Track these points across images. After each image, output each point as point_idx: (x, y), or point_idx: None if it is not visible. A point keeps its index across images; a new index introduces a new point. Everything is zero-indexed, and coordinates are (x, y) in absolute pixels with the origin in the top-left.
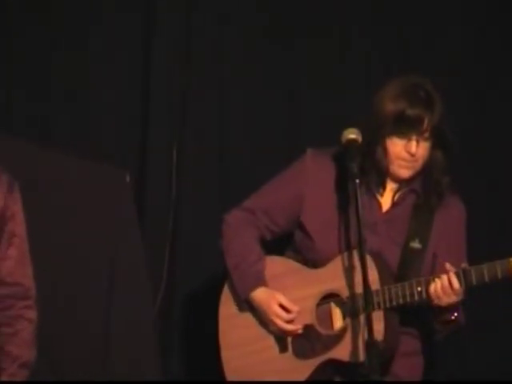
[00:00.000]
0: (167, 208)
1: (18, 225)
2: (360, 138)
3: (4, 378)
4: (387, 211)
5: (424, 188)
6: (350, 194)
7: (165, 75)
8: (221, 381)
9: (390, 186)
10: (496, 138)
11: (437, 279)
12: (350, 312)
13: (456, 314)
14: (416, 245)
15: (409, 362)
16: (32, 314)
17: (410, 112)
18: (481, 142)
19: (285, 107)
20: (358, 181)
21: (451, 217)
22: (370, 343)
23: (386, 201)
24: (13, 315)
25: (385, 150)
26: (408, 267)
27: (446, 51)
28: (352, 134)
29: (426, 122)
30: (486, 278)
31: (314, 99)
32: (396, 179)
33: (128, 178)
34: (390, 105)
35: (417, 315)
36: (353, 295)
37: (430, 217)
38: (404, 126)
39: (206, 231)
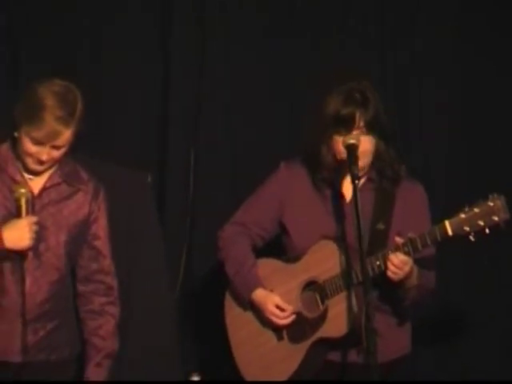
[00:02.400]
0: (185, 207)
1: (101, 227)
2: (359, 142)
3: (90, 367)
4: (351, 200)
5: (379, 176)
6: (326, 192)
7: (182, 82)
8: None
9: (348, 178)
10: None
11: (390, 256)
12: (327, 294)
13: (417, 281)
14: (380, 226)
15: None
16: (114, 309)
17: (344, 111)
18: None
19: (296, 111)
20: (357, 182)
21: (412, 198)
22: (367, 323)
23: (347, 191)
24: (97, 310)
25: (330, 148)
26: (375, 246)
27: None
28: (352, 140)
29: (357, 118)
30: (429, 241)
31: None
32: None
33: (149, 179)
34: (329, 106)
35: (385, 293)
36: (327, 279)
37: (390, 200)
38: (341, 124)
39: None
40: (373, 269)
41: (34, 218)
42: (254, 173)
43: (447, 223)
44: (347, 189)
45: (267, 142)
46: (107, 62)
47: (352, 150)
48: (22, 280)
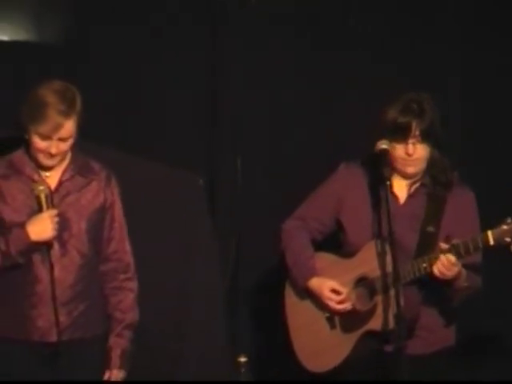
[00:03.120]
0: (234, 207)
1: (117, 212)
2: (390, 147)
3: (112, 338)
4: (405, 203)
5: (432, 181)
6: (381, 194)
7: (229, 91)
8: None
9: (404, 182)
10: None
11: (437, 259)
12: (378, 290)
13: (466, 284)
14: (430, 229)
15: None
16: (132, 284)
17: (401, 120)
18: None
19: (336, 115)
20: (388, 182)
21: (462, 204)
22: (398, 315)
23: (401, 194)
24: (117, 286)
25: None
26: (424, 248)
27: None
28: (383, 145)
29: (414, 127)
30: (471, 249)
31: (363, 105)
32: (404, 176)
33: (201, 182)
34: (388, 115)
35: (435, 292)
36: (377, 276)
37: (441, 205)
38: (398, 132)
39: (265, 226)
40: (419, 270)
41: (54, 211)
42: (294, 175)
43: (489, 233)
44: (400, 191)
45: (307, 146)
46: (160, 72)
47: (383, 154)
48: (51, 267)
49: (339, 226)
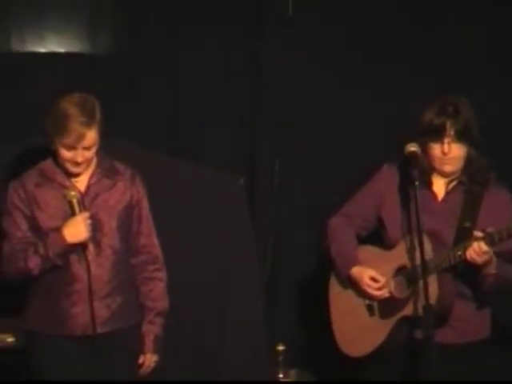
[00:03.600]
0: (272, 205)
1: (143, 208)
2: (419, 150)
3: (145, 325)
4: (443, 200)
5: (469, 180)
6: (412, 194)
7: (269, 98)
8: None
9: (442, 181)
10: None
11: (471, 246)
12: (414, 279)
13: (495, 271)
14: (467, 224)
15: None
16: (161, 274)
17: (436, 121)
18: None
19: (370, 118)
20: (417, 183)
21: (498, 203)
22: (426, 305)
23: (439, 192)
24: (147, 277)
25: (426, 153)
26: (460, 242)
27: None
28: (412, 147)
29: (448, 127)
30: (505, 237)
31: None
32: (442, 174)
33: (241, 182)
34: (425, 117)
35: (470, 284)
36: (415, 266)
37: (477, 202)
38: (434, 133)
39: (299, 224)
40: (454, 257)
41: (86, 214)
42: (328, 176)
43: None
44: (439, 189)
45: (341, 150)
46: (203, 77)
47: (413, 156)
48: (88, 266)
49: (380, 223)
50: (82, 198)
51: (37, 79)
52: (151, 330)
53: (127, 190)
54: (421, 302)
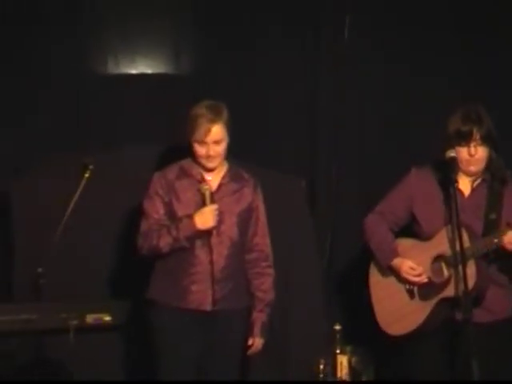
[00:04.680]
0: (330, 205)
1: (260, 212)
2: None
3: (255, 313)
4: (469, 196)
5: (491, 177)
6: (450, 192)
7: (327, 107)
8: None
9: (467, 180)
10: None
11: (505, 234)
12: (451, 265)
13: None
14: (493, 216)
15: (500, 295)
16: (271, 270)
17: (463, 128)
18: None
19: (414, 127)
20: (456, 184)
21: None
22: (465, 290)
23: (465, 189)
24: (259, 272)
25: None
26: (488, 232)
27: None
28: (452, 153)
29: (474, 133)
30: None
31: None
32: (468, 174)
33: (303, 184)
34: (451, 126)
35: (500, 270)
36: (452, 254)
37: (499, 197)
38: (462, 138)
39: (355, 221)
40: (491, 245)
41: (215, 206)
42: (379, 179)
43: None
44: (465, 187)
45: (391, 154)
46: (266, 88)
47: (452, 161)
48: (210, 252)
49: (413, 218)
50: (212, 194)
51: (130, 97)
52: (260, 317)
53: (249, 195)
54: (460, 287)
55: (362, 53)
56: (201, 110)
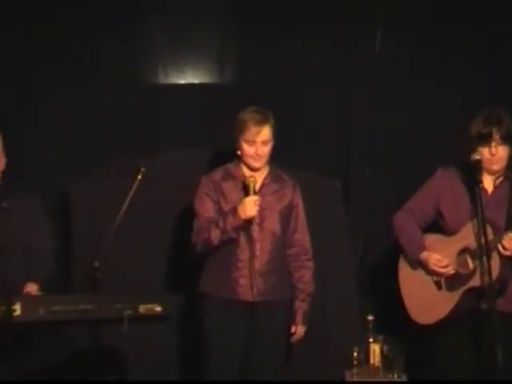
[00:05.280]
0: (362, 206)
1: (300, 210)
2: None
3: (297, 302)
4: (492, 193)
5: None
6: (476, 192)
7: (362, 113)
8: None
9: (489, 178)
10: None
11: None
12: (476, 256)
13: None
14: None
15: None
16: (310, 263)
17: (484, 130)
18: None
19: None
20: (481, 184)
21: None
22: (489, 282)
23: (488, 187)
24: (299, 265)
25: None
26: (511, 227)
27: None
28: (477, 156)
29: (494, 133)
30: None
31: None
32: (490, 173)
33: (338, 185)
34: (473, 128)
35: None
36: (477, 247)
37: None
38: (483, 139)
39: (386, 220)
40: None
41: (256, 197)
42: (409, 181)
43: None
44: (488, 185)
45: (419, 158)
46: (303, 96)
47: (477, 163)
48: (254, 247)
49: (440, 215)
50: (255, 193)
51: (178, 105)
52: (302, 306)
53: (289, 195)
54: (485, 278)
55: (392, 62)
56: (251, 113)
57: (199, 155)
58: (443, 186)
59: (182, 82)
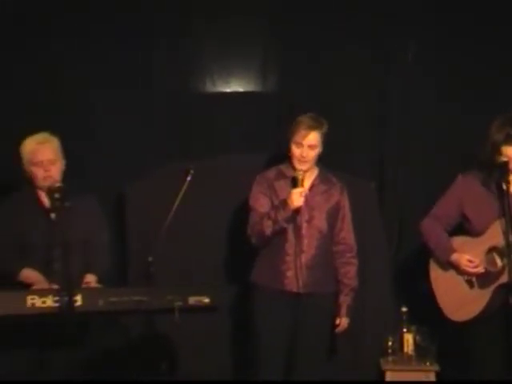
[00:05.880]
0: (396, 205)
1: (346, 211)
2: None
3: (342, 297)
4: None
5: None
6: (504, 192)
7: (396, 117)
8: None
9: None
10: None
11: None
12: (504, 255)
13: None
14: None
15: None
16: (355, 260)
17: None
18: None
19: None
20: (504, 186)
21: None
22: None
23: None
24: (344, 261)
25: (501, 157)
26: None
27: None
28: (504, 158)
29: None
30: None
31: None
32: None
33: (373, 186)
34: (498, 131)
35: None
36: (504, 245)
37: None
38: (509, 140)
39: (418, 219)
40: None
41: (303, 189)
42: (441, 183)
43: None
44: None
45: (451, 161)
46: (341, 102)
47: (504, 165)
48: (302, 242)
49: (465, 219)
50: (303, 181)
51: (224, 112)
52: (346, 300)
53: (337, 196)
54: None
55: (424, 71)
56: (305, 118)
57: (244, 158)
58: (465, 190)
59: (228, 90)
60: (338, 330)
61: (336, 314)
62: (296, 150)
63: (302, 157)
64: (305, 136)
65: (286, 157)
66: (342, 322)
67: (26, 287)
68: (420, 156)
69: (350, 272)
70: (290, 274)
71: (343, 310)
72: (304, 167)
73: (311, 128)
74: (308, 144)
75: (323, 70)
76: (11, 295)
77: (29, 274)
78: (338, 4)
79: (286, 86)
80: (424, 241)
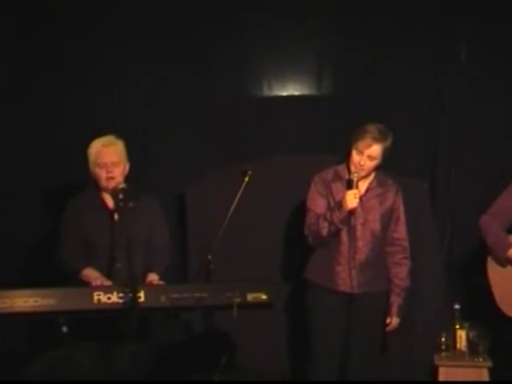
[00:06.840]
0: (448, 205)
1: (401, 213)
2: None
3: (393, 296)
4: None
5: None
6: None
7: (448, 119)
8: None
9: None
10: None
11: None
12: None
13: None
14: None
15: None
16: (407, 261)
17: None
18: None
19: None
20: None
21: None
22: None
23: None
24: (396, 262)
25: None
26: None
27: None
28: None
29: None
30: None
31: None
32: None
33: (426, 185)
34: None
35: None
36: None
37: None
38: None
39: (469, 218)
40: None
41: (357, 191)
42: (493, 183)
43: None
44: None
45: (502, 159)
46: (394, 104)
47: None
48: (356, 242)
49: None
50: (361, 196)
51: (281, 115)
52: (397, 300)
53: (392, 198)
54: None
55: (476, 75)
56: (373, 127)
57: (300, 159)
58: None
59: (284, 94)
60: (388, 329)
61: (387, 313)
62: (356, 157)
63: (360, 165)
64: (368, 146)
65: (341, 158)
66: (393, 321)
67: (86, 285)
68: (473, 156)
69: (401, 272)
70: (343, 275)
71: (394, 310)
72: (359, 174)
73: (376, 140)
74: (368, 154)
75: (377, 73)
76: (79, 291)
77: (89, 273)
78: (392, 7)
79: (340, 90)
80: (482, 237)
